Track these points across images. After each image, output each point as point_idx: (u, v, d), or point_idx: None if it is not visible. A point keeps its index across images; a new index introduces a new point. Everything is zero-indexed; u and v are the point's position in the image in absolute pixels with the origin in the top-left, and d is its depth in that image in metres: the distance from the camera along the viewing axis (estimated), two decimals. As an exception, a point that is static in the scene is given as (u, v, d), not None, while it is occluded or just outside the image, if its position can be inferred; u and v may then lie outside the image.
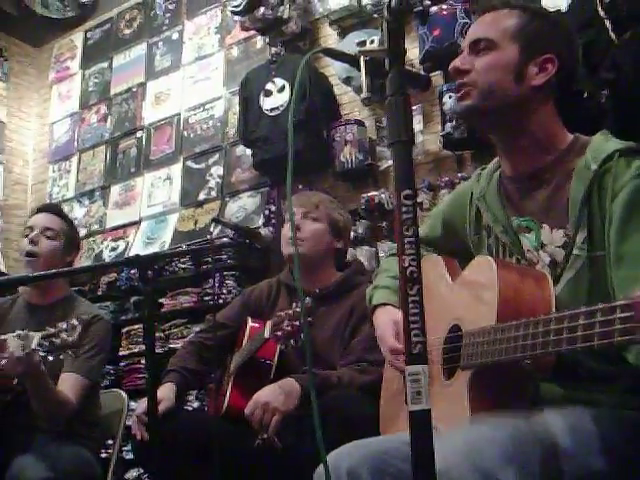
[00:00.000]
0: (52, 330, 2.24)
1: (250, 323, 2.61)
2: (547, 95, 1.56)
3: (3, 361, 2.31)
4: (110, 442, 2.89)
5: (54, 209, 2.95)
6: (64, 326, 2.23)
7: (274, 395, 2.24)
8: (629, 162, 1.41)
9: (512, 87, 1.53)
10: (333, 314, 2.52)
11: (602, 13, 3.09)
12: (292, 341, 2.25)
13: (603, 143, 1.48)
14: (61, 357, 2.32)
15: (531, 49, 1.54)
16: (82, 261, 5.06)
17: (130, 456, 3.81)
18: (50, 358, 2.29)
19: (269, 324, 2.28)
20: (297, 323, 2.20)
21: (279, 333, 2.23)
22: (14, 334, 2.28)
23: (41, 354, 2.26)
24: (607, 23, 3.08)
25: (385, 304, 1.81)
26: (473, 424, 1.34)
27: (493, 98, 1.53)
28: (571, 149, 1.54)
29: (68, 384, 2.52)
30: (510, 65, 1.53)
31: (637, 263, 1.33)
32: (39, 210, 2.91)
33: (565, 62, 1.56)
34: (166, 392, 2.46)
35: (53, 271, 2.64)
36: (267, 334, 2.27)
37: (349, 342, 2.47)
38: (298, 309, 2.18)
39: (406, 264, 1.01)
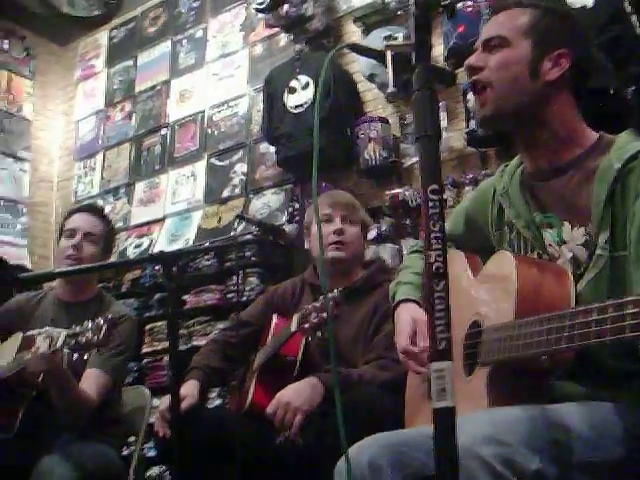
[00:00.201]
0: (78, 329, 2.25)
1: (275, 320, 2.61)
2: (563, 90, 1.56)
3: (28, 356, 2.33)
4: (132, 439, 2.89)
5: (96, 211, 2.92)
6: (90, 325, 2.24)
7: (297, 394, 2.23)
8: None
9: (527, 83, 1.54)
10: (356, 312, 2.52)
11: (629, 8, 3.06)
12: (319, 333, 2.24)
13: (628, 142, 1.47)
14: (85, 357, 2.34)
15: (544, 44, 1.54)
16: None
17: (151, 453, 3.84)
18: (75, 356, 2.31)
19: (296, 317, 2.27)
20: (324, 315, 2.20)
21: (306, 325, 2.22)
22: (43, 331, 2.30)
23: (66, 352, 2.28)
24: (634, 19, 3.05)
25: (408, 300, 1.81)
26: (492, 409, 1.34)
27: (509, 97, 1.54)
28: (595, 147, 1.54)
29: (91, 381, 2.53)
30: (524, 61, 1.54)
31: None
32: (81, 210, 2.89)
33: (579, 56, 1.56)
34: (189, 389, 2.46)
35: (78, 267, 2.66)
36: (294, 327, 2.27)
37: (371, 340, 2.46)
38: (328, 300, 2.18)
39: (432, 259, 1.01)
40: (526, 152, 1.62)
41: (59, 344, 2.26)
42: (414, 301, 1.80)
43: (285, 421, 2.21)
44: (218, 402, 4.12)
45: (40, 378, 2.40)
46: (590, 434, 1.26)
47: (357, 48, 1.40)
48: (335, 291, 2.23)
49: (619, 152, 1.45)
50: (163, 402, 2.49)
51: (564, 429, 1.24)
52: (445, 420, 0.98)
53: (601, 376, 1.39)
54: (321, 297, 2.37)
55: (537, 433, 1.21)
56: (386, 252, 3.73)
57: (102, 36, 6.08)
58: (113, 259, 5.03)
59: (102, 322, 2.22)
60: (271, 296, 2.78)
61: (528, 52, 1.54)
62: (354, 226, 2.62)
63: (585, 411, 1.31)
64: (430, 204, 1.02)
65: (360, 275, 2.65)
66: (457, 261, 1.75)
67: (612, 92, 2.93)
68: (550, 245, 1.55)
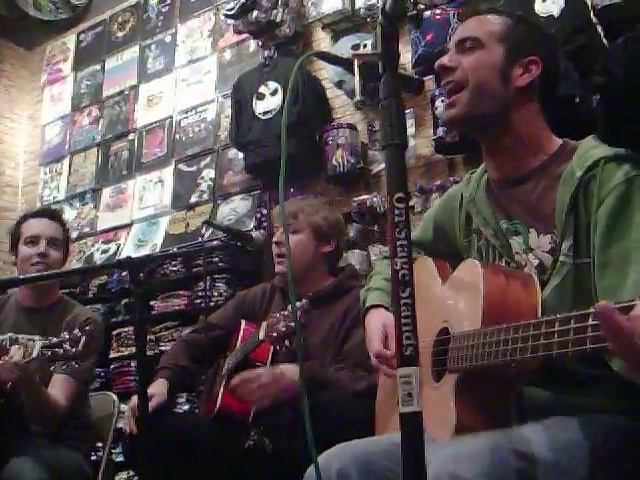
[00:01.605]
0: (55, 340, 2.24)
1: (244, 325, 2.61)
2: (531, 96, 1.59)
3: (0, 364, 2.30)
4: (100, 445, 2.88)
5: (56, 215, 2.91)
6: (67, 336, 2.22)
7: (273, 382, 2.26)
8: (615, 169, 1.41)
9: (498, 87, 1.56)
10: (326, 318, 2.53)
11: (594, 19, 3.12)
12: (287, 342, 2.25)
13: (590, 149, 1.49)
14: (63, 367, 2.32)
15: (516, 51, 1.57)
16: (73, 263, 5.04)
17: (120, 458, 3.79)
18: (51, 368, 2.29)
19: (264, 325, 2.28)
20: (292, 324, 2.21)
21: (274, 334, 2.23)
22: (6, 337, 2.28)
23: (40, 361, 2.25)
24: (599, 29, 3.11)
25: (378, 305, 1.82)
26: (454, 440, 1.35)
27: (480, 100, 1.55)
28: (559, 154, 1.56)
29: (60, 387, 2.52)
30: (496, 65, 1.56)
31: (620, 271, 1.33)
32: (39, 215, 2.86)
33: (548, 65, 1.59)
34: (158, 388, 2.47)
35: (45, 273, 2.64)
36: (262, 335, 2.27)
37: (341, 346, 2.47)
38: (295, 310, 2.19)
39: (398, 267, 1.02)
40: (491, 159, 1.64)
41: (34, 354, 2.24)
42: (384, 307, 1.82)
43: (247, 397, 2.24)
44: (187, 407, 4.11)
45: (9, 386, 2.37)
46: (553, 459, 1.27)
47: (325, 56, 1.41)
48: (303, 300, 2.24)
49: (581, 160, 1.47)
50: (133, 399, 2.48)
51: (528, 457, 1.25)
52: (412, 424, 0.99)
53: (567, 382, 1.41)
54: (290, 306, 2.37)
55: (500, 463, 1.22)
56: (354, 258, 3.74)
57: (70, 40, 6.01)
58: (79, 265, 5.02)
59: (79, 333, 2.20)
60: (241, 301, 2.78)
61: (500, 57, 1.56)
62: (296, 234, 2.60)
63: (550, 435, 1.30)
64: (396, 212, 1.03)
65: (329, 281, 2.66)
66: (426, 268, 1.76)
67: (578, 100, 2.98)
68: (517, 253, 1.57)
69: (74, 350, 2.19)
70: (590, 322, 1.10)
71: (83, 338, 2.19)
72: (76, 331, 2.22)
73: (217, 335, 2.71)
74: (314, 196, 2.86)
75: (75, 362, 2.29)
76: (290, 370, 2.31)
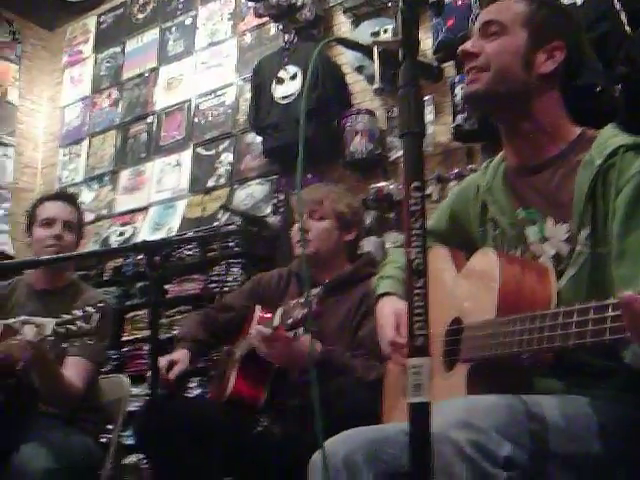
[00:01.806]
0: (68, 317, 2.24)
1: (258, 311, 2.61)
2: (553, 84, 1.57)
3: (13, 343, 2.31)
4: (110, 427, 2.90)
5: (71, 199, 2.92)
6: (80, 314, 2.23)
7: (289, 352, 2.26)
8: (634, 157, 1.39)
9: (520, 73, 1.54)
10: (342, 305, 2.52)
11: (618, 6, 3.07)
12: (302, 329, 2.25)
13: (609, 138, 1.47)
14: (76, 344, 2.33)
15: (540, 36, 1.55)
16: (89, 246, 5.06)
17: (130, 442, 3.82)
18: (64, 345, 2.30)
19: (279, 311, 2.27)
20: (306, 311, 2.20)
21: (290, 321, 2.23)
22: (21, 319, 2.29)
23: (54, 340, 2.26)
24: (622, 16, 3.06)
25: (389, 293, 1.81)
26: (468, 397, 1.35)
27: (503, 83, 1.53)
28: (578, 142, 1.54)
29: (75, 368, 2.53)
30: (519, 51, 1.54)
31: (637, 260, 1.32)
32: (55, 198, 2.88)
33: (572, 51, 1.56)
34: (181, 356, 2.51)
35: (61, 255, 2.65)
36: (277, 321, 2.27)
37: (356, 333, 2.47)
38: (310, 298, 2.18)
39: (413, 256, 1.01)
40: (510, 145, 1.62)
41: (48, 332, 2.25)
42: (396, 295, 1.81)
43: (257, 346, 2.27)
44: (198, 392, 4.12)
45: (20, 365, 2.38)
46: (565, 426, 1.27)
47: (345, 42, 1.39)
48: (319, 287, 2.23)
49: (600, 148, 1.45)
50: (162, 360, 2.50)
51: (540, 419, 1.25)
52: (420, 415, 0.99)
53: (580, 373, 1.40)
54: (305, 293, 2.37)
55: (512, 421, 1.22)
56: (370, 245, 3.73)
57: (90, 21, 6.03)
58: (96, 247, 5.05)
59: (92, 310, 2.21)
60: (257, 284, 2.78)
61: (524, 42, 1.54)
62: (322, 221, 2.60)
63: (562, 404, 1.31)
64: (412, 201, 1.02)
65: (346, 267, 2.65)
66: (441, 257, 1.75)
67: (599, 90, 2.95)
68: (532, 243, 1.56)
69: (87, 327, 2.20)
70: (610, 313, 1.09)
71: (96, 315, 2.20)
72: (89, 308, 2.23)
73: (230, 317, 2.72)
74: (334, 184, 2.85)
75: (89, 340, 2.29)
76: (306, 339, 2.32)
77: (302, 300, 2.23)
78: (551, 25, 1.56)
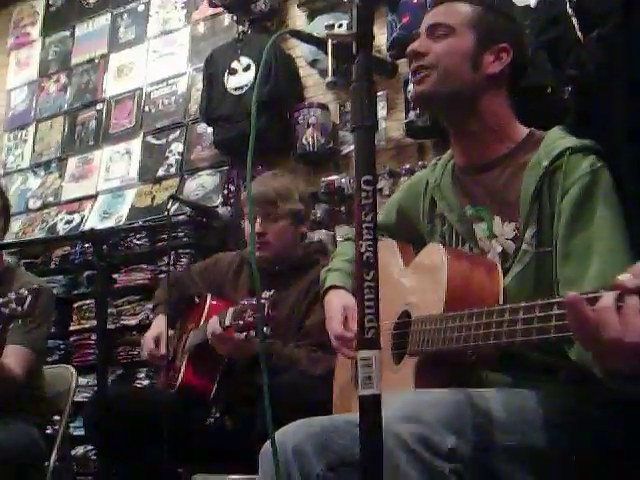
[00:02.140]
0: (0, 300, 2.20)
1: (210, 300, 2.60)
2: (500, 84, 1.60)
3: None
4: (57, 418, 2.86)
5: None
6: (13, 296, 2.19)
7: (239, 352, 2.30)
8: (580, 160, 1.43)
9: (468, 73, 1.56)
10: (290, 294, 2.53)
11: (570, 11, 3.13)
12: (252, 332, 2.24)
13: (557, 139, 1.50)
14: (10, 327, 2.28)
15: (487, 38, 1.58)
16: (36, 233, 4.97)
17: (77, 432, 3.78)
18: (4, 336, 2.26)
19: (231, 311, 2.26)
20: (259, 315, 2.19)
21: (240, 322, 2.22)
22: None
23: None
24: (574, 21, 3.12)
25: (337, 286, 1.82)
26: (414, 391, 1.37)
27: (450, 83, 1.56)
28: (526, 143, 1.57)
29: (14, 357, 2.48)
30: (467, 52, 1.57)
31: (582, 262, 1.35)
32: None
33: (518, 53, 1.60)
34: (161, 325, 2.57)
35: (3, 242, 2.60)
36: (228, 321, 2.26)
37: (303, 321, 2.48)
38: (262, 300, 2.18)
39: (363, 249, 1.02)
40: (457, 144, 1.65)
41: None
42: (344, 288, 1.82)
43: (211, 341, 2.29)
44: (147, 382, 4.10)
45: None
46: (509, 419, 1.29)
47: (299, 35, 1.39)
48: (272, 291, 2.23)
49: (547, 149, 1.48)
50: (147, 342, 2.58)
51: (484, 413, 1.27)
52: (371, 407, 1.00)
53: (526, 368, 1.43)
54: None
55: (457, 414, 1.24)
56: (321, 238, 3.75)
57: (39, 3, 5.87)
58: (42, 235, 4.95)
59: (26, 292, 2.17)
60: (212, 266, 2.80)
61: (472, 43, 1.56)
62: (277, 222, 2.59)
63: (507, 397, 1.33)
64: (363, 194, 1.03)
65: (295, 256, 2.66)
66: (389, 250, 1.76)
67: (549, 91, 3.00)
68: (481, 239, 1.58)
69: (20, 309, 2.16)
70: (555, 311, 1.12)
71: (29, 297, 2.16)
72: (22, 290, 2.19)
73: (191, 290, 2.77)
74: (282, 174, 2.84)
75: (23, 323, 2.25)
76: (256, 342, 2.32)
77: (254, 302, 2.23)
78: (498, 28, 1.60)
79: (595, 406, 1.38)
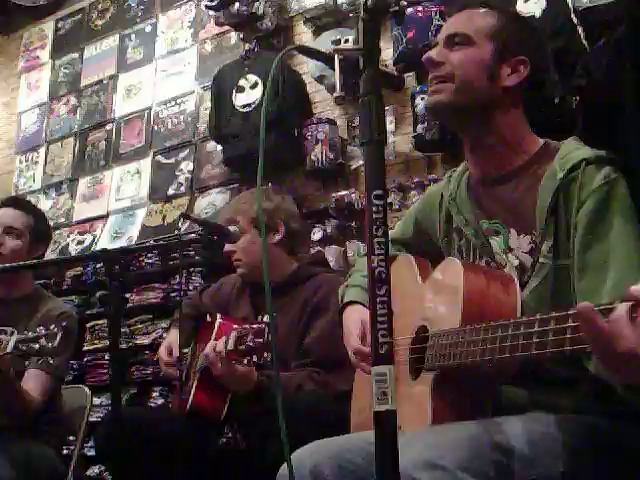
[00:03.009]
0: (30, 335, 2.20)
1: (219, 320, 2.59)
2: (517, 97, 1.58)
3: None
4: (72, 438, 2.86)
5: (18, 204, 2.85)
6: (43, 332, 2.19)
7: (234, 376, 2.26)
8: (596, 171, 1.42)
9: (485, 85, 1.55)
10: (286, 310, 2.50)
11: (575, 20, 3.13)
12: (255, 357, 2.23)
13: (572, 151, 1.49)
14: (38, 362, 2.28)
15: (505, 50, 1.56)
16: (48, 254, 4.98)
17: (92, 453, 3.77)
18: (26, 363, 2.26)
19: (234, 335, 2.25)
20: (261, 340, 2.17)
21: (242, 347, 2.21)
22: None
23: (15, 357, 2.22)
24: (579, 30, 3.12)
25: (355, 302, 1.81)
26: (433, 428, 1.35)
27: (465, 94, 1.54)
28: (541, 154, 1.56)
29: (34, 382, 2.49)
30: (484, 63, 1.55)
31: (599, 274, 1.34)
32: (2, 204, 2.82)
33: (536, 67, 1.58)
34: (174, 337, 2.58)
35: (15, 264, 2.60)
36: (231, 346, 2.25)
37: (302, 339, 2.45)
38: (262, 325, 2.17)
39: (375, 264, 1.01)
40: (473, 157, 1.63)
41: (9, 349, 2.20)
42: (361, 303, 1.81)
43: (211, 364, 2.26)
44: (161, 401, 4.09)
45: None
46: (530, 452, 1.27)
47: (306, 50, 1.40)
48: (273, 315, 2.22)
49: (563, 161, 1.47)
50: (162, 353, 2.58)
51: (504, 449, 1.26)
52: (386, 423, 0.99)
53: (544, 382, 1.41)
54: (259, 317, 2.46)
55: (477, 454, 1.23)
56: (330, 253, 3.74)
57: (48, 27, 5.93)
58: (54, 256, 4.97)
59: (56, 329, 2.17)
60: (219, 287, 2.83)
61: (489, 55, 1.55)
62: (242, 237, 2.55)
63: (525, 426, 1.31)
64: (374, 209, 1.02)
65: (290, 267, 2.64)
66: (406, 265, 1.76)
67: (557, 101, 3.00)
68: (497, 253, 1.57)
69: (50, 346, 2.16)
70: (570, 323, 1.10)
71: (60, 334, 2.16)
72: (52, 327, 2.19)
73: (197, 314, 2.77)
74: (249, 190, 2.87)
75: (50, 357, 2.26)
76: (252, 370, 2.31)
77: (255, 326, 2.21)
78: (517, 40, 1.58)
79: (616, 420, 1.37)
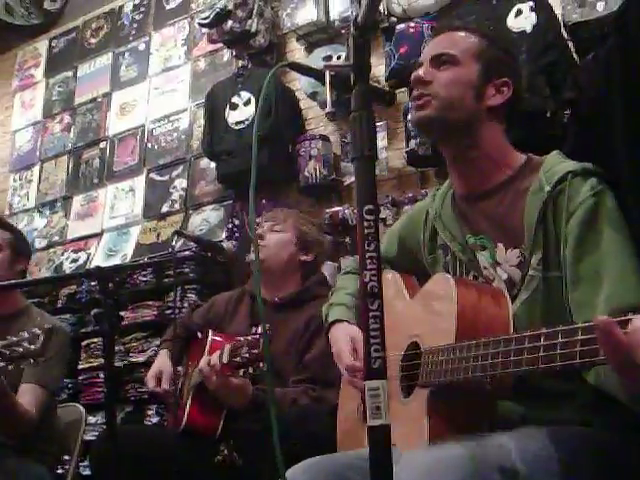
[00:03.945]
0: (14, 339, 2.20)
1: (211, 336, 2.59)
2: (499, 115, 1.62)
3: None
4: (67, 457, 2.84)
5: None
6: (26, 335, 2.19)
7: (229, 389, 2.26)
8: (582, 182, 1.43)
9: (471, 104, 1.58)
10: (289, 325, 2.52)
11: (565, 35, 3.16)
12: (250, 369, 2.22)
13: (557, 164, 1.51)
14: (22, 367, 2.28)
15: (491, 71, 1.60)
16: (42, 272, 4.97)
17: (87, 472, 3.74)
18: (10, 368, 2.25)
19: (227, 348, 2.25)
20: (255, 351, 2.17)
21: (237, 359, 2.20)
22: None
23: (1, 364, 2.21)
24: (570, 45, 3.15)
25: (341, 320, 1.81)
26: (432, 446, 1.34)
27: (452, 111, 1.57)
28: (524, 169, 1.58)
29: (28, 396, 2.48)
30: (471, 82, 1.59)
31: (592, 285, 1.34)
32: None
33: (517, 88, 1.63)
34: (162, 361, 2.62)
35: (10, 282, 2.60)
36: (225, 359, 2.24)
37: (302, 356, 2.46)
38: (257, 336, 2.17)
39: (367, 279, 1.01)
40: (456, 172, 1.66)
41: None
42: (347, 322, 1.81)
43: (205, 377, 2.27)
44: (156, 419, 4.07)
45: None
46: (528, 471, 1.26)
47: (297, 67, 1.41)
48: (267, 326, 2.22)
49: (548, 174, 1.49)
50: (149, 381, 2.59)
51: (503, 469, 1.24)
52: (380, 438, 0.98)
53: (537, 396, 1.41)
54: (253, 329, 2.44)
55: (475, 476, 1.21)
56: (325, 269, 3.73)
57: (41, 45, 5.96)
58: (48, 274, 4.96)
59: (39, 331, 2.17)
60: (211, 304, 2.82)
61: (476, 75, 1.59)
62: (280, 233, 2.66)
63: (522, 445, 1.30)
64: (365, 224, 1.03)
65: (297, 287, 2.66)
66: (392, 282, 1.76)
67: (548, 115, 3.02)
68: (485, 267, 1.58)
69: (33, 348, 2.16)
70: (579, 337, 1.10)
71: (42, 336, 2.16)
72: (35, 329, 2.19)
73: (189, 336, 2.78)
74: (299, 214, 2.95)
75: (35, 362, 2.25)
76: (247, 383, 2.31)
77: (249, 338, 2.21)
78: (501, 62, 1.63)
79: (615, 432, 1.36)
